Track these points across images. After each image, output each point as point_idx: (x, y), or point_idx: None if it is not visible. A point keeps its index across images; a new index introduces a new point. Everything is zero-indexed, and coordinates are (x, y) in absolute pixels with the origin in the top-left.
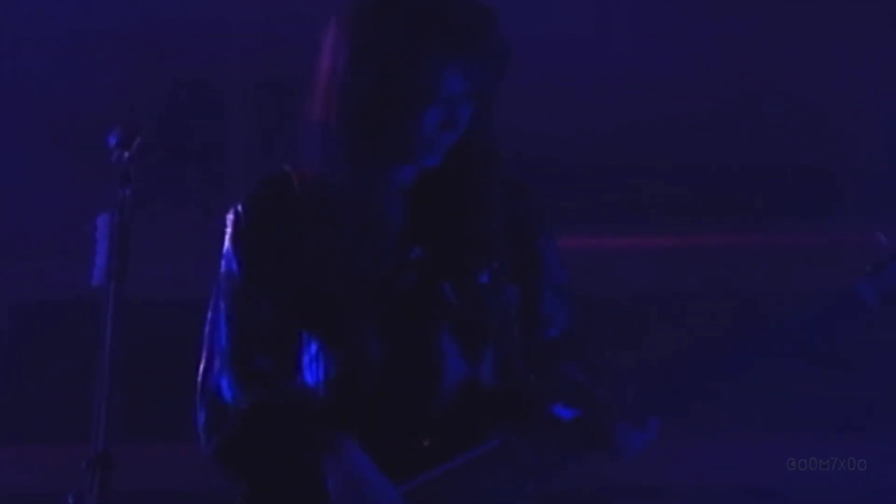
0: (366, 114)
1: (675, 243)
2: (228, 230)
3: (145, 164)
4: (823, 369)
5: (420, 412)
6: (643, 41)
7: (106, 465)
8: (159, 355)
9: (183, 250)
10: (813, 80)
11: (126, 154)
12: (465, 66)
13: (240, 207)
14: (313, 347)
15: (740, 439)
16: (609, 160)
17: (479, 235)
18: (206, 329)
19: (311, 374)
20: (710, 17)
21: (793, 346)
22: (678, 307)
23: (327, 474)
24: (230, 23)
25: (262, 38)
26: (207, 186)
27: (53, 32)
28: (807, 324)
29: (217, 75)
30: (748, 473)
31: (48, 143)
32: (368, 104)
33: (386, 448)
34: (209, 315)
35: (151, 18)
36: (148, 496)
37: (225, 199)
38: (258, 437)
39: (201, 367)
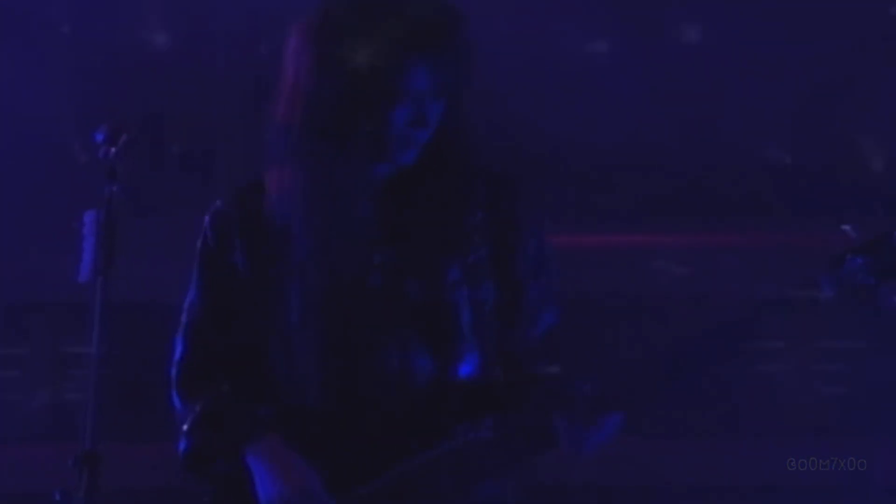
0: (334, 117)
1: (676, 243)
2: (198, 243)
3: (142, 167)
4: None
5: (388, 411)
6: (643, 41)
7: (93, 462)
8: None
9: (176, 252)
10: (813, 79)
11: (112, 150)
12: (429, 63)
13: (207, 220)
14: (280, 354)
15: (740, 439)
16: (609, 160)
17: (446, 232)
18: None
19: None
20: (710, 17)
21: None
22: (678, 307)
23: (251, 468)
24: (222, 25)
25: (254, 42)
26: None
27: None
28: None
29: (207, 78)
30: (748, 473)
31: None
32: (337, 107)
33: (353, 448)
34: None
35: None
36: (134, 494)
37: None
38: (204, 450)
39: None
